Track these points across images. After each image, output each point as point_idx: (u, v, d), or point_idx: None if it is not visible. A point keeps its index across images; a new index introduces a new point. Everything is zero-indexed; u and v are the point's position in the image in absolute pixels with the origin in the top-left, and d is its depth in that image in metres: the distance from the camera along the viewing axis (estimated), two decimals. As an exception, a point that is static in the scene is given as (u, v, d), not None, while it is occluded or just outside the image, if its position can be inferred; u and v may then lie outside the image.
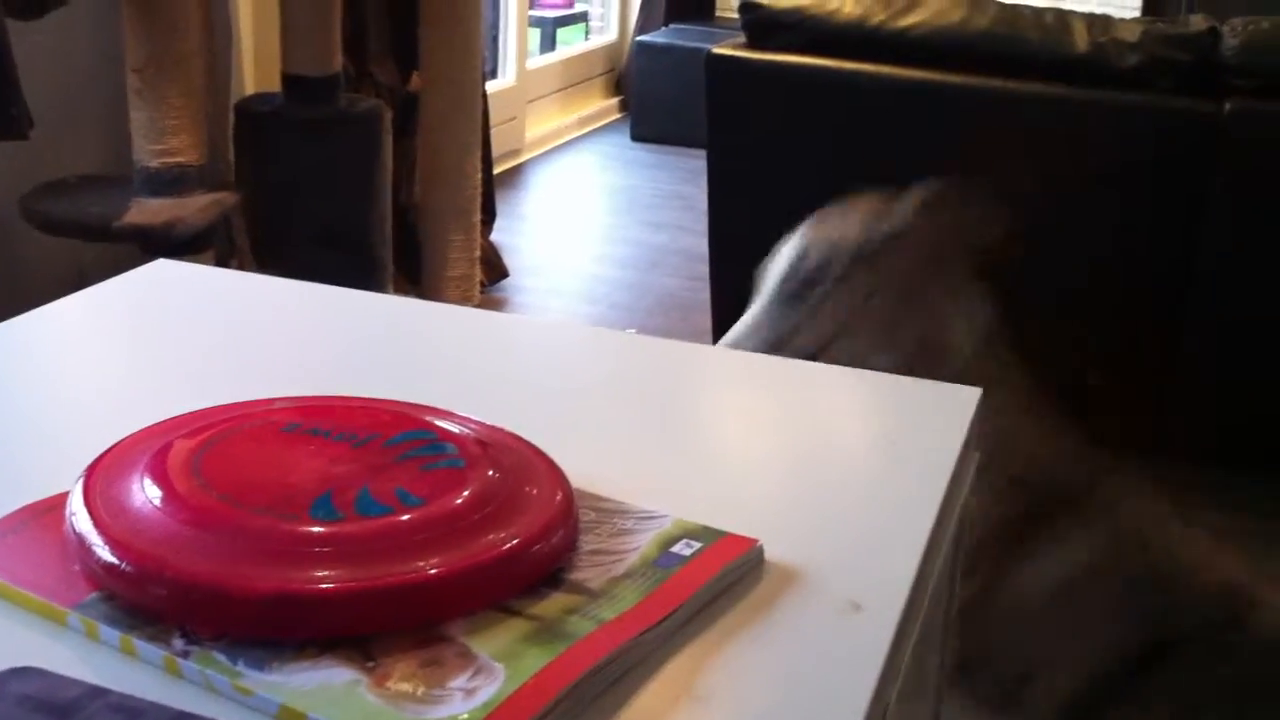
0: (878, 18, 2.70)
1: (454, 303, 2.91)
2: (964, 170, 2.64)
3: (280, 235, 2.64)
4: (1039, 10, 2.71)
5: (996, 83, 2.57)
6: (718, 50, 2.74)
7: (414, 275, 3.13)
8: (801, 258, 1.23)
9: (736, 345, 1.23)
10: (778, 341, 1.24)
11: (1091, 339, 2.65)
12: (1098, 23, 2.60)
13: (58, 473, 0.72)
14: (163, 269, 1.10)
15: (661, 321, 3.55)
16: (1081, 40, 2.57)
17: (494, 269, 3.68)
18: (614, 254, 4.13)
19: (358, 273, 2.68)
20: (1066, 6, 3.14)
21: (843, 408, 0.90)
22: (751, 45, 2.76)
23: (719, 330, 2.93)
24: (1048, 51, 2.59)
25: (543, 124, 5.14)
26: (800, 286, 1.22)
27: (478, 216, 3.01)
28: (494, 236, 3.82)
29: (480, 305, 3.23)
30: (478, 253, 3.04)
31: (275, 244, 2.65)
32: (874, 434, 0.85)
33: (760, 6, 2.76)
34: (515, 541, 0.64)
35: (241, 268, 2.65)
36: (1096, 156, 2.55)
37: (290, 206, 2.63)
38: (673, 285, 3.84)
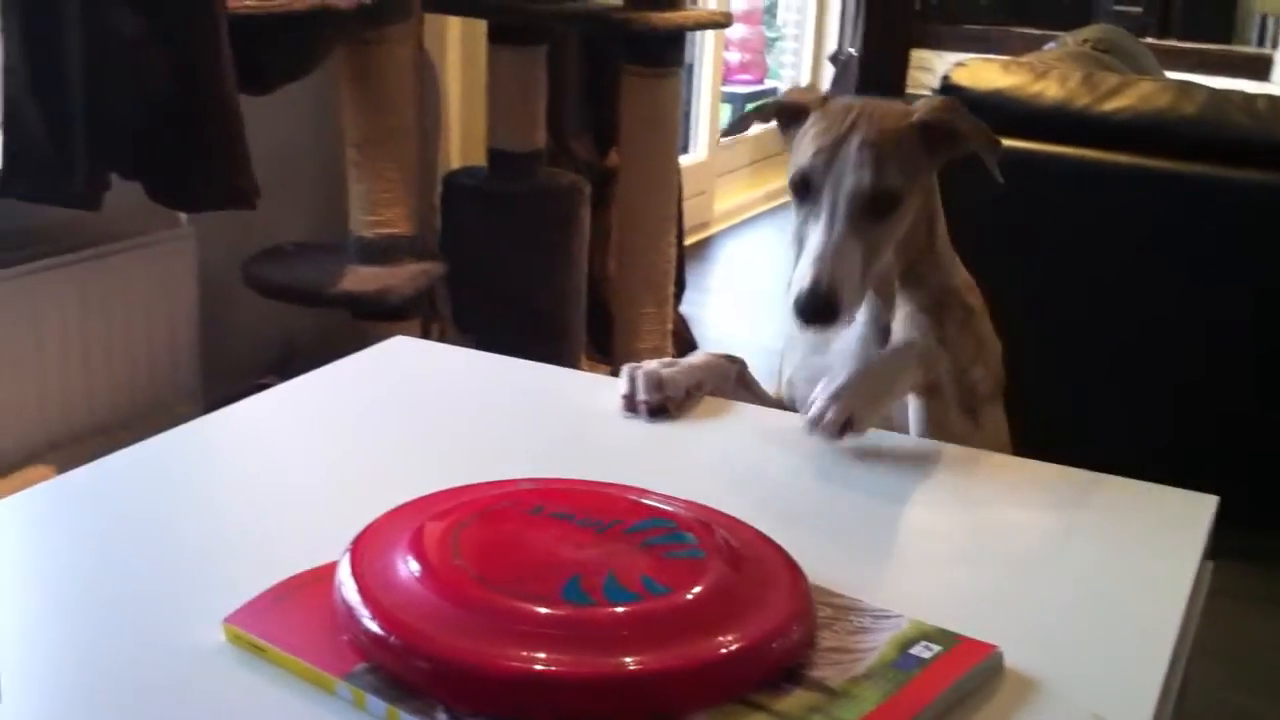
0: (1082, 101, 2.67)
1: (645, 375, 2.94)
2: (1169, 257, 2.58)
3: (479, 304, 2.72)
4: (1249, 96, 2.64)
5: (1205, 169, 2.52)
6: (916, 132, 2.74)
7: (603, 346, 3.18)
8: None
9: None
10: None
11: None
12: (1313, 110, 2.53)
13: (312, 544, 0.76)
14: (400, 345, 1.15)
15: (846, 399, 3.53)
16: (1296, 128, 2.50)
17: (682, 341, 3.72)
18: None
19: (551, 342, 2.74)
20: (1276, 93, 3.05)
21: (1074, 511, 0.89)
22: (951, 128, 2.75)
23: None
24: (1261, 138, 2.52)
25: (731, 198, 5.19)
26: None
27: (670, 290, 3.06)
28: (682, 308, 3.86)
29: (669, 378, 3.26)
30: (669, 326, 3.08)
31: (474, 312, 2.73)
32: (1108, 540, 0.84)
33: (961, 88, 2.76)
34: (758, 635, 0.66)
35: (442, 334, 2.73)
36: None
37: (490, 276, 2.71)
38: (857, 362, 3.82)
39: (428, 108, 2.91)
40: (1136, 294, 2.62)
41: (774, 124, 1.18)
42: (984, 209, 2.73)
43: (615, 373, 1.07)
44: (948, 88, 2.81)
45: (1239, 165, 2.51)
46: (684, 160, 4.46)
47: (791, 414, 1.06)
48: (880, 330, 1.13)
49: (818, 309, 1.02)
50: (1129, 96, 2.67)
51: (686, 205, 4.02)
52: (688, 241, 4.55)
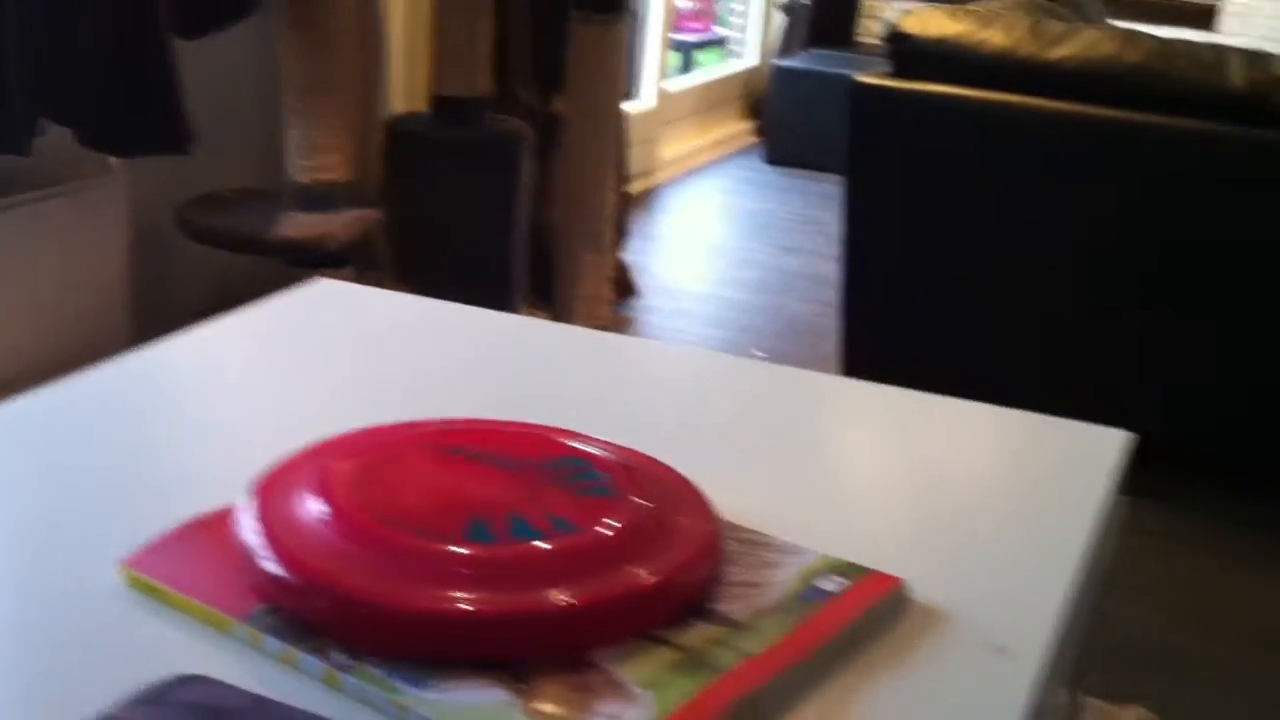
0: (1027, 49, 2.67)
1: (583, 321, 2.95)
2: (1112, 206, 2.59)
3: (420, 251, 2.70)
4: (1195, 45, 2.65)
5: (1149, 118, 2.53)
6: (863, 79, 2.73)
7: (545, 292, 3.17)
8: None
9: None
10: None
11: (1241, 377, 2.58)
12: (1257, 60, 2.54)
13: (223, 486, 0.75)
14: (322, 288, 1.13)
15: (791, 347, 3.54)
16: (1239, 77, 2.51)
17: (624, 288, 3.71)
18: (745, 277, 4.13)
19: (492, 290, 2.73)
20: (1223, 42, 3.06)
21: (987, 445, 0.89)
22: (898, 75, 2.75)
23: (847, 357, 2.91)
24: (1203, 88, 2.53)
25: (679, 146, 5.18)
26: None
27: (611, 237, 3.05)
28: (626, 256, 3.85)
29: (609, 324, 3.26)
30: (609, 272, 3.07)
31: (415, 260, 2.71)
32: (1019, 473, 0.85)
33: (908, 37, 2.75)
34: (664, 572, 0.65)
35: (381, 283, 2.71)
36: (1252, 197, 2.48)
37: (432, 224, 2.69)
38: (803, 310, 3.83)
39: (370, 52, 2.87)
40: (1081, 240, 2.64)
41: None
42: (932, 156, 2.73)
43: (554, 318, 1.08)
44: (896, 35, 2.80)
45: (1183, 114, 2.52)
46: (631, 108, 4.44)
47: (702, 352, 1.07)
48: None
49: None
50: (1075, 44, 2.68)
51: (633, 153, 4.01)
52: (634, 190, 4.53)
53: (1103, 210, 2.61)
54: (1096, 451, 0.86)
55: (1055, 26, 2.76)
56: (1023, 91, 2.65)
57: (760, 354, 3.26)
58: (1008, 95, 2.65)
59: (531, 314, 2.94)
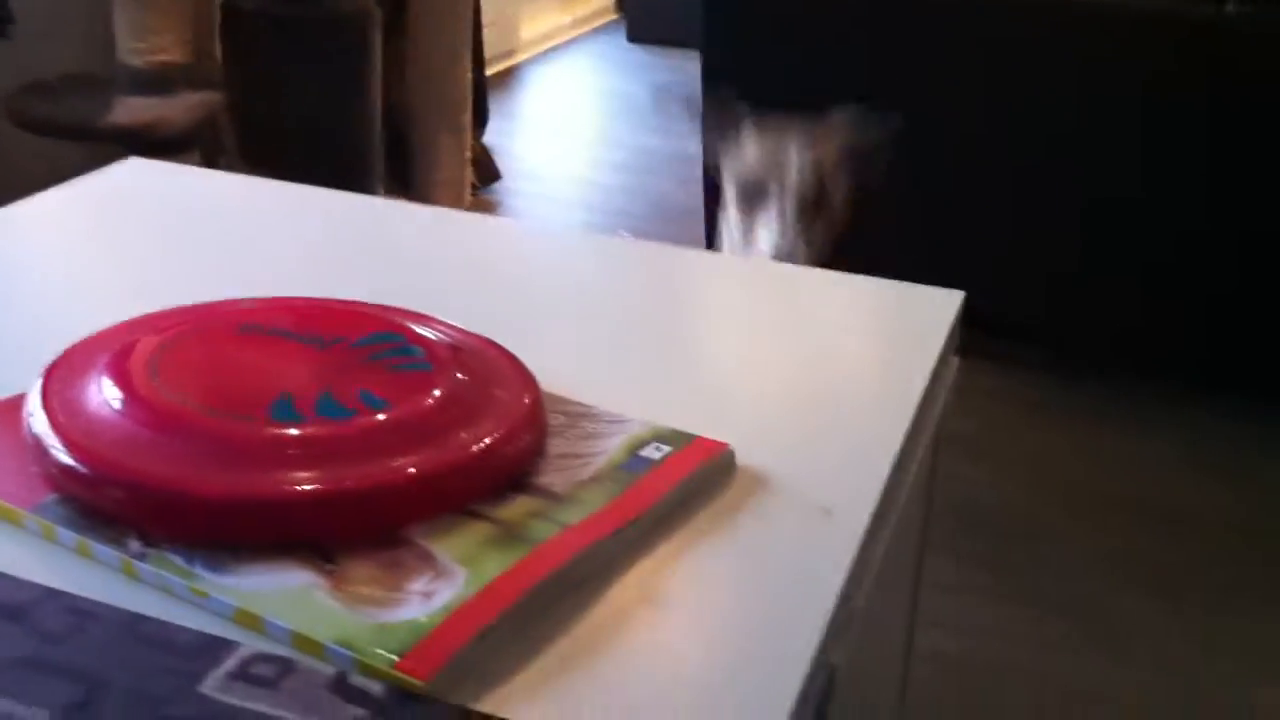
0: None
1: (443, 205, 2.89)
2: (958, 76, 2.60)
3: (267, 136, 2.61)
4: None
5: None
6: (714, -51, 2.68)
7: (405, 178, 3.09)
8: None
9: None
10: None
11: (1100, 249, 2.63)
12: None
13: (18, 372, 0.70)
14: (136, 167, 1.08)
15: (657, 226, 3.52)
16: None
17: (485, 171, 3.65)
18: (609, 158, 4.09)
19: (346, 174, 2.65)
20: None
21: (823, 312, 0.88)
22: (748, -57, 2.70)
23: (711, 233, 2.90)
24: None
25: (538, 24, 5.07)
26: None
27: (468, 118, 2.98)
28: (487, 139, 3.78)
29: (471, 208, 3.20)
30: (468, 155, 3.01)
31: (262, 145, 2.62)
32: (853, 338, 0.84)
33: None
34: (480, 445, 0.63)
35: (228, 169, 2.62)
36: (1095, 61, 2.50)
37: (278, 107, 2.59)
38: (669, 189, 3.80)
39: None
40: (935, 107, 2.64)
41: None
42: (787, 29, 2.70)
43: (413, 199, 1.04)
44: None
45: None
46: (487, -15, 4.31)
47: (551, 228, 1.03)
48: None
49: None
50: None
51: (490, 32, 3.90)
52: (493, 71, 4.44)
53: (956, 75, 2.62)
54: (930, 312, 0.85)
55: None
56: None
57: (627, 235, 3.23)
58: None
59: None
